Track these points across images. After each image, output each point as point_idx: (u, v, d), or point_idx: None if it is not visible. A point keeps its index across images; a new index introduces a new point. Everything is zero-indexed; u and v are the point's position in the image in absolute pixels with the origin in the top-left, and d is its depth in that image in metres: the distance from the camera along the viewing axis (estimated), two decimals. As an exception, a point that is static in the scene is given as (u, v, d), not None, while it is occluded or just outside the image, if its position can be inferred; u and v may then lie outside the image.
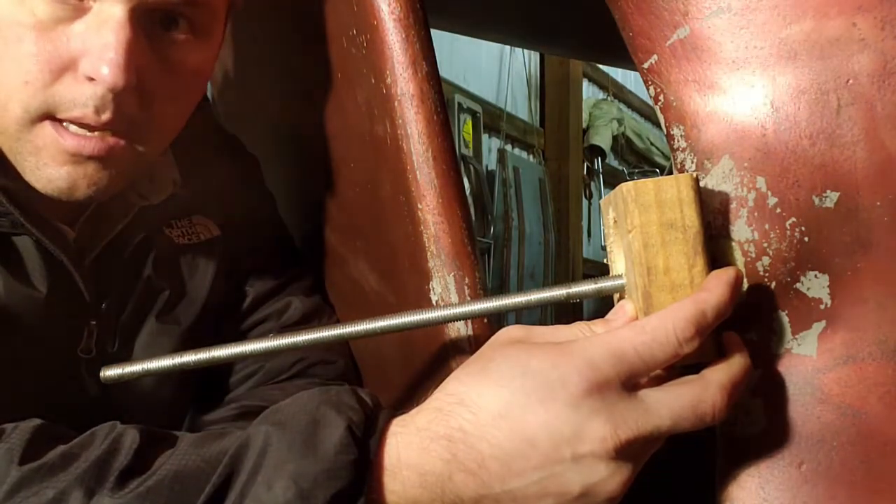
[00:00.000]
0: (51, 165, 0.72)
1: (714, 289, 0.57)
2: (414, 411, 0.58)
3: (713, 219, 0.62)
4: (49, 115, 0.71)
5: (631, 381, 0.56)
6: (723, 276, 0.58)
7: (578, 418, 0.54)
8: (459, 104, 5.40)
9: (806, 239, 0.60)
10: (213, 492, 0.54)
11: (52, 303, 0.77)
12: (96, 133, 0.72)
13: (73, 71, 0.70)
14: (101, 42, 0.69)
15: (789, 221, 0.60)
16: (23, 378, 0.75)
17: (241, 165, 1.03)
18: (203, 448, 0.56)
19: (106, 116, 0.71)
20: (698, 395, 0.56)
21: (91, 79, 0.70)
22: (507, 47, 6.06)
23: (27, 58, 0.69)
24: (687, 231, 0.58)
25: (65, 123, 0.72)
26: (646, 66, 0.65)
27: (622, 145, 7.76)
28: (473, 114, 5.60)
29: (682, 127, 0.63)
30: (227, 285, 0.95)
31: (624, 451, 0.54)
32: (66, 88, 0.70)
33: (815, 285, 0.60)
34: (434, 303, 0.80)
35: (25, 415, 0.59)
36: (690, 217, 0.58)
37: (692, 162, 0.63)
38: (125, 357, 0.84)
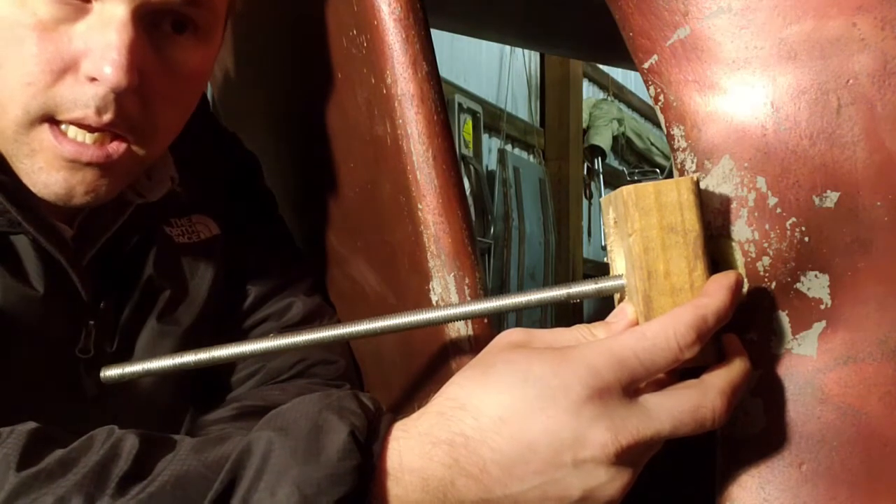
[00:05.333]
0: (46, 170, 0.72)
1: (714, 293, 0.57)
2: (415, 415, 0.58)
3: (713, 219, 0.62)
4: (49, 118, 0.71)
5: (631, 387, 0.56)
6: (723, 281, 0.58)
7: (579, 424, 0.54)
8: (459, 104, 5.40)
9: (806, 239, 0.60)
10: (216, 497, 0.53)
11: (49, 302, 0.76)
12: (95, 139, 0.71)
13: (75, 72, 0.70)
14: (104, 42, 0.69)
15: (789, 221, 0.60)
16: (20, 378, 0.75)
17: (242, 164, 1.03)
18: (204, 453, 0.55)
19: (107, 117, 0.70)
20: (698, 401, 0.56)
21: (93, 79, 0.69)
22: (507, 47, 6.07)
23: (28, 59, 0.69)
24: (687, 235, 0.58)
25: (63, 127, 0.71)
26: (646, 66, 0.65)
27: (622, 145, 7.77)
28: (473, 114, 5.60)
29: (682, 127, 0.63)
30: (228, 285, 0.95)
31: (624, 456, 0.54)
32: (68, 89, 0.70)
33: (816, 285, 0.60)
34: (434, 303, 0.80)
35: (22, 415, 0.58)
36: (691, 221, 0.58)
37: (692, 162, 0.63)
38: (124, 357, 0.83)
